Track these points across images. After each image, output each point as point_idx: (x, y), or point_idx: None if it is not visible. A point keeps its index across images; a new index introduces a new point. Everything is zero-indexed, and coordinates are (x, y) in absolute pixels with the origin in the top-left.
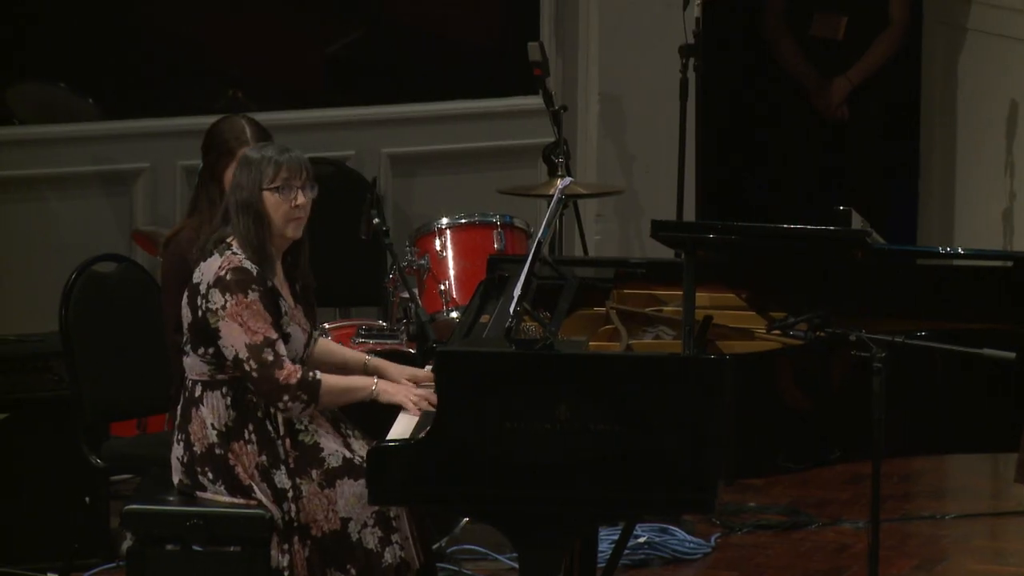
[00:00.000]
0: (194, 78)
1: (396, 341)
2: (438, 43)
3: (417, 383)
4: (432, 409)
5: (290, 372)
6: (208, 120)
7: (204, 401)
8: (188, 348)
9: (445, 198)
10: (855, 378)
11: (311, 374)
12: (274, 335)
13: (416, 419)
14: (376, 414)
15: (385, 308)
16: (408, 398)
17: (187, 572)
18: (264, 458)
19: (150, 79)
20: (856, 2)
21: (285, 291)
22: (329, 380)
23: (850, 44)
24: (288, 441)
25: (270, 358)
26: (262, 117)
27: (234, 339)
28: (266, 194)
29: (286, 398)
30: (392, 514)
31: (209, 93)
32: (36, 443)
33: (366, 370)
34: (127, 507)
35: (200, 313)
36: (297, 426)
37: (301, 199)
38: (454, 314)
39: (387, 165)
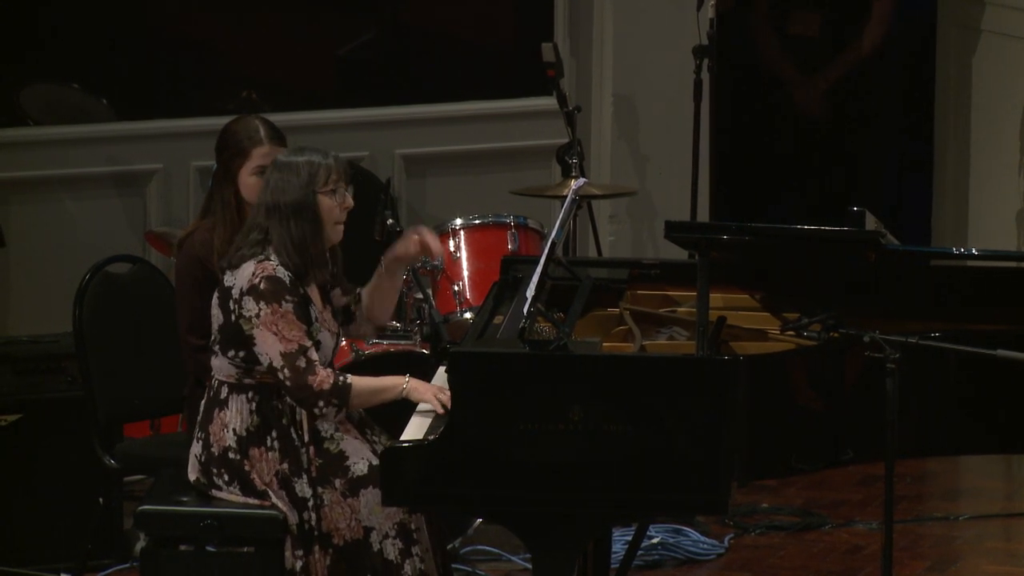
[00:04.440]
0: (207, 79)
1: (410, 342)
2: (451, 44)
3: None
4: None
5: (323, 378)
6: (221, 121)
7: (229, 403)
8: (217, 349)
9: (459, 199)
10: (868, 379)
11: (341, 379)
12: (308, 343)
13: (429, 420)
14: (402, 414)
15: (399, 309)
16: (438, 397)
17: (201, 573)
18: (286, 466)
19: (163, 80)
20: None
21: (315, 295)
22: (359, 383)
23: (829, 40)
24: (312, 449)
25: (303, 365)
26: (275, 118)
27: (269, 347)
28: (321, 197)
29: (321, 403)
30: (413, 526)
31: (222, 94)
32: (49, 444)
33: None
34: (140, 508)
35: (233, 318)
36: (322, 434)
37: (350, 200)
38: (468, 315)
39: (401, 166)
